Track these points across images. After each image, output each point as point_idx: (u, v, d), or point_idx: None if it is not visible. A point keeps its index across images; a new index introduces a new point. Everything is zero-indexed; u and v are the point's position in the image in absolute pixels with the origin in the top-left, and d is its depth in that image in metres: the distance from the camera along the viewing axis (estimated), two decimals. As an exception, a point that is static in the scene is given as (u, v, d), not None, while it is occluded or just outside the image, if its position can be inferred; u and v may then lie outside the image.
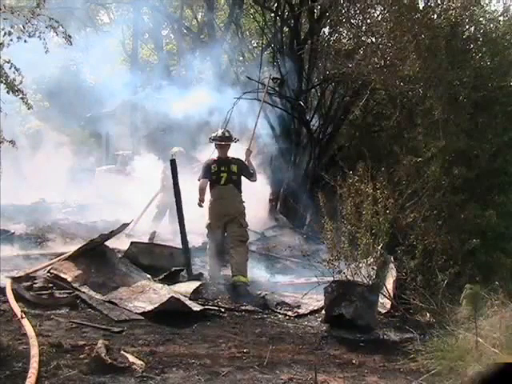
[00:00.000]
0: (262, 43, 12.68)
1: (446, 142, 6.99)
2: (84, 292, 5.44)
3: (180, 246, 6.67)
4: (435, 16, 7.83)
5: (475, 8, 7.81)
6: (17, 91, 5.90)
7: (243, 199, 6.71)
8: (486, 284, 5.00)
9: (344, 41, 10.03)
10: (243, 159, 6.90)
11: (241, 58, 14.73)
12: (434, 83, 7.38)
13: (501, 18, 8.21)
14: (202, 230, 6.94)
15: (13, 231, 8.53)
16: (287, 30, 11.96)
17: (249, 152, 7.05)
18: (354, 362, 4.36)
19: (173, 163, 6.79)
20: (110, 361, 3.68)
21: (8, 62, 5.74)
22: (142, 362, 3.87)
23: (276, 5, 12.12)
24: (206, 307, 5.46)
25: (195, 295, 5.76)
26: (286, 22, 11.83)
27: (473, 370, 3.75)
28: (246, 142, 7.55)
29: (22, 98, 6.07)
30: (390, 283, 5.84)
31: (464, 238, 6.69)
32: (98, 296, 5.41)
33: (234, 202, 6.63)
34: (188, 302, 5.35)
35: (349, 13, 9.44)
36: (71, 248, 6.74)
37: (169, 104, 11.37)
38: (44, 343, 3.95)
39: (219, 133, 6.88)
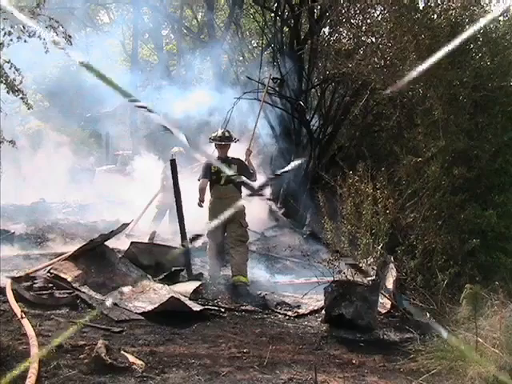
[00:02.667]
0: (262, 43, 12.66)
1: (445, 142, 6.99)
2: (84, 292, 5.44)
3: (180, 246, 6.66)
4: (435, 16, 7.82)
5: (475, 8, 7.81)
6: (17, 91, 5.92)
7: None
8: (485, 284, 4.99)
9: (344, 41, 10.01)
10: (243, 159, 6.90)
11: (241, 58, 14.72)
12: (433, 83, 7.38)
13: (501, 18, 8.20)
14: (202, 230, 6.95)
15: (13, 231, 8.53)
16: (287, 29, 11.96)
17: (249, 152, 7.05)
18: (354, 361, 4.36)
19: (173, 163, 6.79)
20: (109, 361, 3.68)
21: (8, 62, 5.74)
22: (142, 362, 3.87)
23: (276, 5, 12.11)
24: (206, 307, 5.46)
25: (195, 295, 5.77)
26: (285, 22, 11.82)
27: (473, 370, 3.75)
28: (246, 142, 7.54)
29: (22, 98, 6.09)
30: (390, 283, 5.85)
31: (464, 238, 6.69)
32: (98, 296, 5.41)
33: (234, 201, 6.64)
34: (188, 302, 5.35)
35: (349, 13, 9.42)
36: (71, 248, 6.75)
37: (169, 104, 11.37)
38: (44, 343, 3.95)
39: (219, 133, 6.87)
